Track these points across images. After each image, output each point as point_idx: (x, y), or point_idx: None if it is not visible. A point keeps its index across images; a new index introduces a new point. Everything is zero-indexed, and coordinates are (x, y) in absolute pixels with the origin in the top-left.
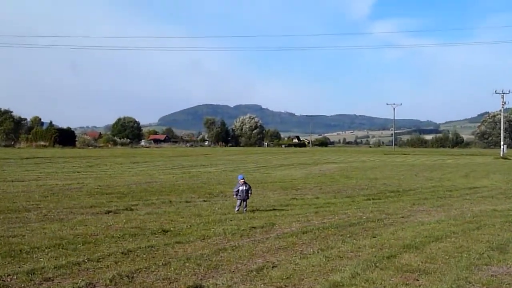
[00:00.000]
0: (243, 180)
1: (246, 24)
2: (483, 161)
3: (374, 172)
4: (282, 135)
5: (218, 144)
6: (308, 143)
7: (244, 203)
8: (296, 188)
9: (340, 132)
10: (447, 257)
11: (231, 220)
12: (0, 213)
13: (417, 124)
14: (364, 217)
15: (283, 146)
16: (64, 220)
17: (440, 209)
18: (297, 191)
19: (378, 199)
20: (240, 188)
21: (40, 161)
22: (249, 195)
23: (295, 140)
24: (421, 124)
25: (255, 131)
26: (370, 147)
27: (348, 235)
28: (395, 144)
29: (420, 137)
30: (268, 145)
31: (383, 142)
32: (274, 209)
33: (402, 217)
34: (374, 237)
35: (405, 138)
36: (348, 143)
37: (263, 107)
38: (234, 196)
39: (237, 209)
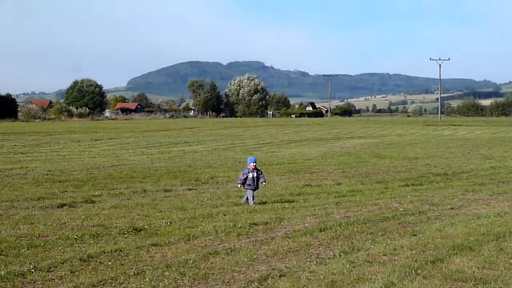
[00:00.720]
0: (254, 164)
1: None
2: None
3: (414, 150)
4: (292, 101)
5: (207, 114)
6: (326, 111)
7: (253, 193)
8: (310, 171)
9: (369, 97)
10: (511, 261)
11: (224, 215)
12: None
13: (470, 85)
14: (401, 209)
15: (293, 116)
16: (3, 217)
17: (502, 198)
18: (312, 176)
19: (420, 184)
20: (250, 175)
21: None
22: (263, 183)
23: (309, 108)
24: (476, 85)
25: (255, 96)
26: (409, 116)
27: (380, 233)
28: (441, 112)
29: (474, 102)
30: (273, 115)
31: (425, 110)
32: (281, 200)
33: (451, 209)
34: (414, 235)
35: (454, 103)
36: (379, 111)
37: (266, 64)
38: (239, 185)
39: (251, 202)
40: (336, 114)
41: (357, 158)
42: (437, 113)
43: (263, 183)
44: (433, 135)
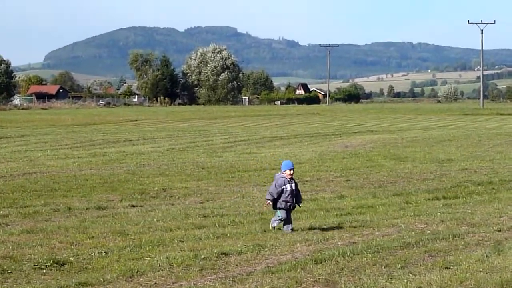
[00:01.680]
0: (291, 172)
1: None
2: None
3: (446, 149)
4: (276, 82)
5: (157, 101)
6: (324, 96)
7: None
8: (302, 180)
9: (383, 76)
10: None
11: (182, 241)
12: None
13: None
14: (428, 232)
15: (278, 102)
16: None
17: None
18: (304, 186)
19: (454, 197)
20: (287, 187)
21: None
22: (300, 199)
23: (300, 92)
24: None
25: (224, 75)
26: (439, 101)
27: (399, 265)
28: (484, 97)
29: None
30: (250, 102)
31: (462, 93)
32: (262, 219)
33: (499, 231)
34: (446, 267)
35: (502, 84)
36: (398, 95)
37: (239, 31)
38: (268, 202)
39: (274, 223)
40: (338, 99)
41: (367, 161)
42: (479, 98)
43: (300, 204)
44: (473, 129)
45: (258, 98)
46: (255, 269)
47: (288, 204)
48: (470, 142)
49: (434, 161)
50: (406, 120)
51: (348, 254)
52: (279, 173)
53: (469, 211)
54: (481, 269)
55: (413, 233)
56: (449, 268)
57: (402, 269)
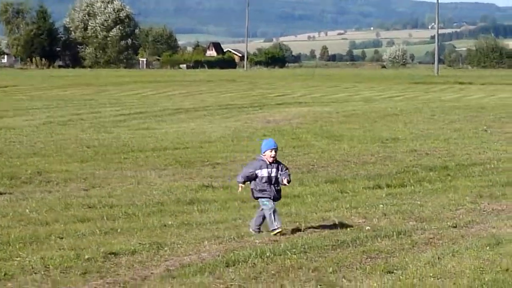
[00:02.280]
0: (272, 154)
1: None
2: None
3: (391, 126)
4: (182, 40)
5: (32, 62)
6: (242, 58)
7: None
8: (212, 163)
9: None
10: None
11: (61, 238)
12: None
13: (490, 15)
14: (368, 228)
15: (184, 66)
16: None
17: None
18: (215, 170)
19: (400, 186)
20: (262, 172)
21: None
22: (285, 181)
23: (212, 53)
24: (500, 14)
25: (115, 31)
26: (384, 67)
27: (331, 269)
28: (440, 61)
29: (497, 43)
30: (149, 65)
31: (412, 56)
32: (161, 210)
33: (454, 227)
34: (390, 272)
35: (462, 45)
36: (333, 58)
37: None
38: (240, 185)
39: (256, 227)
40: (258, 63)
41: (293, 139)
42: (433, 63)
43: (284, 180)
44: (425, 101)
45: (159, 60)
46: (151, 273)
47: (266, 193)
48: (421, 117)
49: (376, 140)
50: (343, 90)
51: (268, 254)
52: (262, 153)
53: (418, 202)
54: (431, 274)
55: (348, 229)
56: (392, 272)
57: (334, 273)
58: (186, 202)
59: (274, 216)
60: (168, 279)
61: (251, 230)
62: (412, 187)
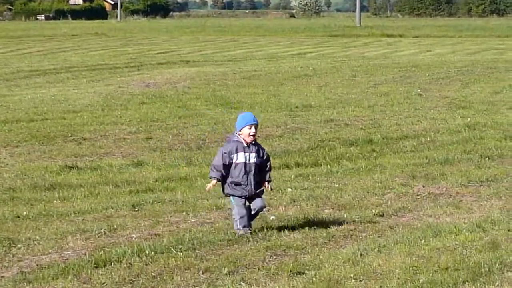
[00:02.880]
0: (253, 131)
1: None
2: None
3: (302, 89)
4: None
5: None
6: (115, 7)
7: (258, 204)
8: (78, 137)
9: None
10: None
11: None
12: None
13: None
14: (273, 217)
15: (42, 17)
16: None
17: (488, 191)
18: (81, 147)
19: (314, 165)
20: (238, 156)
21: None
22: (267, 184)
23: (77, 1)
24: None
25: None
26: (292, 16)
27: (226, 270)
28: (363, 8)
29: None
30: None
31: (328, 3)
32: (14, 198)
33: (381, 215)
34: (300, 273)
35: None
36: (229, 5)
37: None
38: (214, 181)
39: (240, 226)
40: (135, 12)
41: (179, 108)
42: (354, 11)
43: (267, 183)
44: (344, 58)
45: (11, 10)
46: (1, 276)
47: (243, 188)
48: (339, 79)
49: (283, 108)
50: (242, 45)
51: (148, 252)
52: (233, 133)
53: (336, 185)
54: (352, 275)
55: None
56: (303, 273)
57: (230, 275)
58: (45, 187)
59: (242, 214)
60: (22, 284)
61: (237, 230)
62: (328, 166)
